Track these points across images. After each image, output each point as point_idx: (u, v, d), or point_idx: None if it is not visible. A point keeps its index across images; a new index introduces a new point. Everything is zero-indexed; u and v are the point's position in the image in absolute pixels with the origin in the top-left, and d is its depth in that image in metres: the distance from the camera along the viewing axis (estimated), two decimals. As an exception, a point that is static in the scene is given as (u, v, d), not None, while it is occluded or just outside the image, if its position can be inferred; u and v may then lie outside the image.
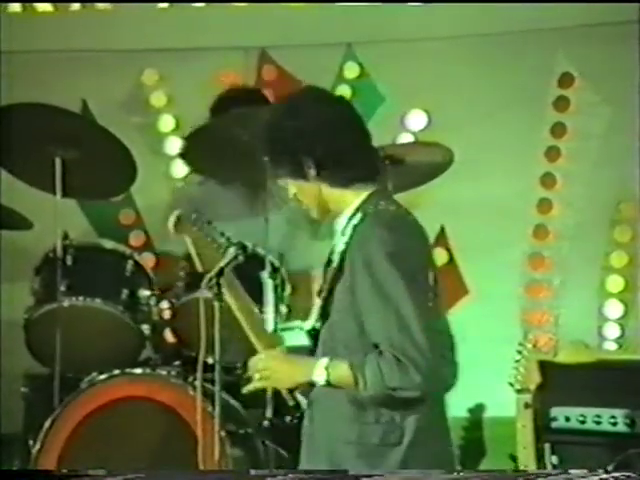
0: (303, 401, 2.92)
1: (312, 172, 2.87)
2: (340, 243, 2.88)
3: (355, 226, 2.86)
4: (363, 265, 2.81)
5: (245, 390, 2.91)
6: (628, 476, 3.11)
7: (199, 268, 2.87)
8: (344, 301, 2.85)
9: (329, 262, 2.92)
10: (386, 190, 2.97)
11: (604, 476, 3.27)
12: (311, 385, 2.86)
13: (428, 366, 2.77)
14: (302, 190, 2.91)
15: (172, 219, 2.86)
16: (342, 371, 2.82)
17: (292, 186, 2.93)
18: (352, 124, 2.92)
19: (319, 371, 2.83)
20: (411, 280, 2.82)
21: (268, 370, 2.86)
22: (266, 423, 2.87)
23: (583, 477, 3.11)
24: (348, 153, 2.90)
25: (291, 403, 2.89)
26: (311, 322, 2.92)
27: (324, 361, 2.85)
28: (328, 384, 2.83)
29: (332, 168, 2.88)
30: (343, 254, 2.86)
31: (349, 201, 2.90)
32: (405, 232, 2.88)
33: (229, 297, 2.90)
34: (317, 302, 2.91)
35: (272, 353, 2.88)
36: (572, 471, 3.71)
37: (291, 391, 2.89)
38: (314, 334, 2.91)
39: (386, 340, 2.78)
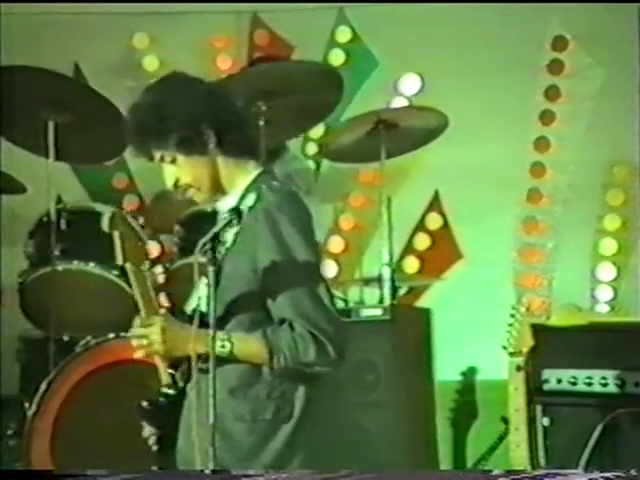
0: (179, 380, 2.84)
1: (212, 142, 2.85)
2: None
3: (251, 207, 2.83)
4: (274, 240, 2.79)
5: (139, 355, 2.85)
6: (618, 476, 3.13)
7: (119, 260, 2.88)
8: (242, 280, 2.81)
9: (217, 244, 2.82)
10: (274, 172, 2.93)
11: (593, 476, 3.29)
12: (203, 357, 2.76)
13: (342, 341, 2.78)
14: (194, 168, 2.86)
15: (106, 219, 2.88)
16: (250, 344, 2.78)
17: (181, 167, 2.86)
18: (230, 95, 2.93)
19: (222, 342, 2.76)
20: (318, 256, 2.83)
21: (162, 335, 2.79)
22: (145, 404, 2.84)
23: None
24: (243, 122, 2.89)
25: (166, 381, 2.84)
26: (193, 305, 2.85)
27: (225, 332, 2.78)
28: (230, 356, 2.77)
29: (231, 136, 2.85)
30: (237, 234, 2.81)
31: (238, 180, 2.88)
32: (306, 210, 2.88)
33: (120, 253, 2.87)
34: (203, 282, 2.83)
35: (167, 318, 2.82)
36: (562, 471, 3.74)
37: (174, 366, 2.81)
38: (197, 316, 2.81)
39: (300, 316, 2.76)
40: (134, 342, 2.86)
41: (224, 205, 2.91)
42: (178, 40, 5.18)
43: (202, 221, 4.22)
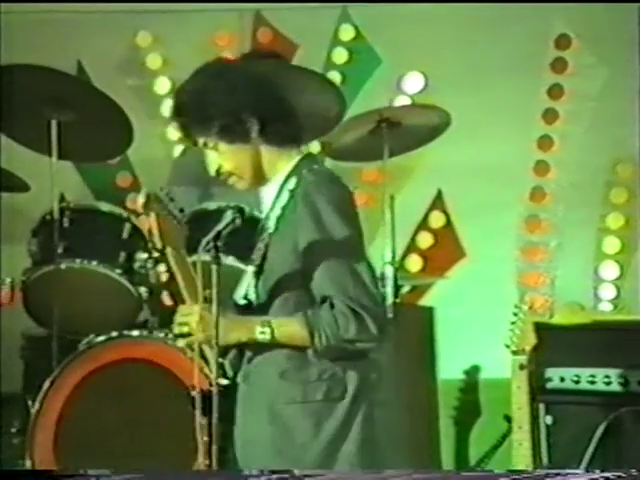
0: (229, 369, 2.85)
1: (255, 130, 2.83)
2: (276, 208, 2.85)
3: (292, 190, 2.83)
4: (312, 221, 2.78)
5: (181, 344, 2.85)
6: (619, 476, 3.14)
7: (157, 244, 2.85)
8: (285, 264, 2.81)
9: (261, 230, 2.88)
10: (316, 156, 2.92)
11: (595, 476, 3.29)
12: (252, 345, 2.80)
13: (382, 317, 2.79)
14: (236, 156, 2.85)
15: (141, 199, 2.83)
16: (291, 326, 2.77)
17: (223, 155, 2.85)
18: (275, 83, 2.89)
19: (262, 328, 2.78)
20: (359, 234, 2.83)
21: (201, 324, 2.78)
22: (194, 392, 2.82)
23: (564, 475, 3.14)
24: (287, 108, 2.87)
25: (215, 372, 2.81)
26: (243, 292, 2.86)
27: (265, 318, 2.80)
28: (272, 341, 2.78)
29: (274, 125, 2.83)
30: (279, 219, 2.83)
31: (280, 167, 2.87)
32: (346, 189, 2.87)
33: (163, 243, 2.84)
34: (250, 270, 2.86)
35: (210, 307, 2.79)
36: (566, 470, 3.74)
37: (222, 355, 2.81)
38: (246, 305, 2.85)
39: (341, 293, 2.76)
40: (175, 330, 2.85)
41: (266, 191, 2.90)
42: (181, 38, 5.18)
43: (205, 220, 4.22)
